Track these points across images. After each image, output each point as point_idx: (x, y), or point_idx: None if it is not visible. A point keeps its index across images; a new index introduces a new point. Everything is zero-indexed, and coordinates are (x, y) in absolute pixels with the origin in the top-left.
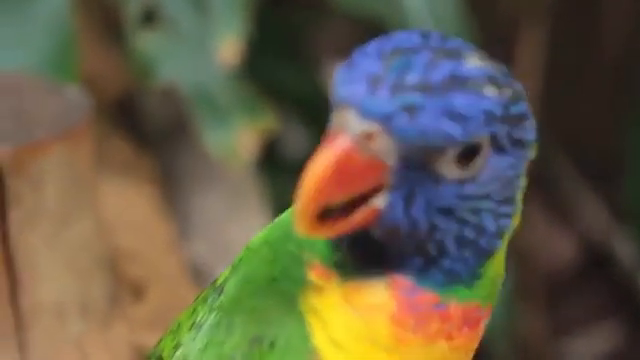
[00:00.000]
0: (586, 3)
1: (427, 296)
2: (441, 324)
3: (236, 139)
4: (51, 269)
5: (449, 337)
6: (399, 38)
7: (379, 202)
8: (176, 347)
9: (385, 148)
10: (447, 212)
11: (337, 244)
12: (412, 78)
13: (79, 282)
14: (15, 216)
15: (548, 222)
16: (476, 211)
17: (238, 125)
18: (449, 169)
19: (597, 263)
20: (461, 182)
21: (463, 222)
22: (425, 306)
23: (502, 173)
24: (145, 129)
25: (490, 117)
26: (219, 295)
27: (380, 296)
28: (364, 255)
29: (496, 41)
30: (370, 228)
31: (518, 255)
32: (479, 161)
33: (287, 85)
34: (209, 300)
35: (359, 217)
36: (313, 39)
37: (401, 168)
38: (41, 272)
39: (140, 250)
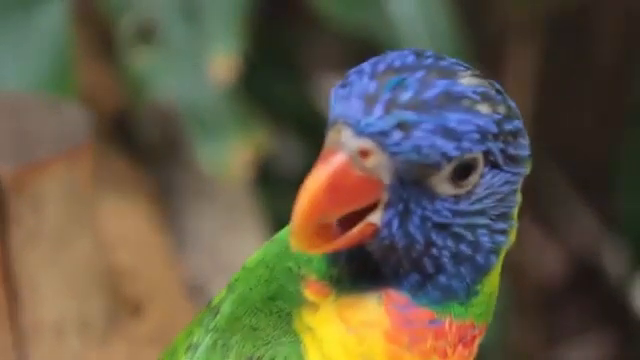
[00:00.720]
0: (578, 16)
1: (422, 312)
2: (435, 341)
3: (229, 155)
4: (51, 288)
5: (443, 355)
6: (393, 57)
7: (375, 218)
8: None
9: (380, 165)
10: (442, 228)
11: (334, 259)
12: (406, 96)
13: (79, 300)
14: (16, 235)
15: (539, 235)
16: (471, 227)
17: (231, 141)
18: (444, 186)
19: (587, 275)
20: (456, 198)
21: (459, 238)
22: (420, 322)
23: (497, 189)
24: (140, 145)
25: (484, 134)
26: (215, 316)
27: (374, 312)
28: (361, 271)
29: (488, 54)
30: (367, 244)
31: (510, 267)
32: (474, 177)
33: (282, 101)
34: (205, 321)
35: (355, 233)
36: (308, 55)
37: (396, 185)
38: (41, 291)
39: (138, 267)
